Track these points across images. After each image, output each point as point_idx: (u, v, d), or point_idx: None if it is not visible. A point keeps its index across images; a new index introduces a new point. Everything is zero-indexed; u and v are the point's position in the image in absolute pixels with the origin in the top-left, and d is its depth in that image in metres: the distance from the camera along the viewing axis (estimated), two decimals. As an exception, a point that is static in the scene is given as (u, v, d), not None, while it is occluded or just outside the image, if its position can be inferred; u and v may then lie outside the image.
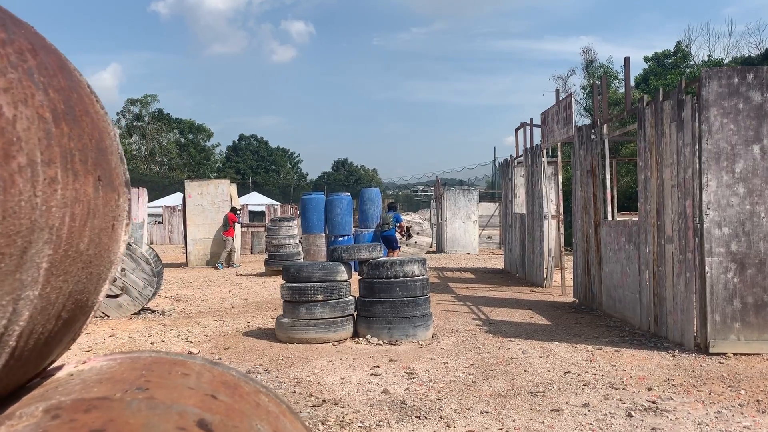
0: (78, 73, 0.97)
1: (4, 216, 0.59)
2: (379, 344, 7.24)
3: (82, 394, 0.77)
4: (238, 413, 0.85)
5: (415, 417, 4.70)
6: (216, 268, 18.18)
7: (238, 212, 19.86)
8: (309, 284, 7.40)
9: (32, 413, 0.69)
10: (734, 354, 6.53)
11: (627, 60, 8.98)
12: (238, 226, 19.40)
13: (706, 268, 6.66)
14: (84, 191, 0.78)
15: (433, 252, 24.40)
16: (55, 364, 1.02)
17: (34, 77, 0.67)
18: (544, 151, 12.98)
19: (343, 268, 7.63)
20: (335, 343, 7.30)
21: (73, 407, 0.69)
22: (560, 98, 11.94)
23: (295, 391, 5.39)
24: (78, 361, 1.01)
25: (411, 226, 20.75)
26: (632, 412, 4.72)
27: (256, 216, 35.26)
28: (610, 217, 9.88)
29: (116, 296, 9.13)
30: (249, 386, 1.03)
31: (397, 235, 15.96)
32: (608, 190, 9.80)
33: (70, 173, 0.72)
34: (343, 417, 4.72)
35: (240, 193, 35.40)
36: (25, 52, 0.68)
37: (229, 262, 18.71)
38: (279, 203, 40.07)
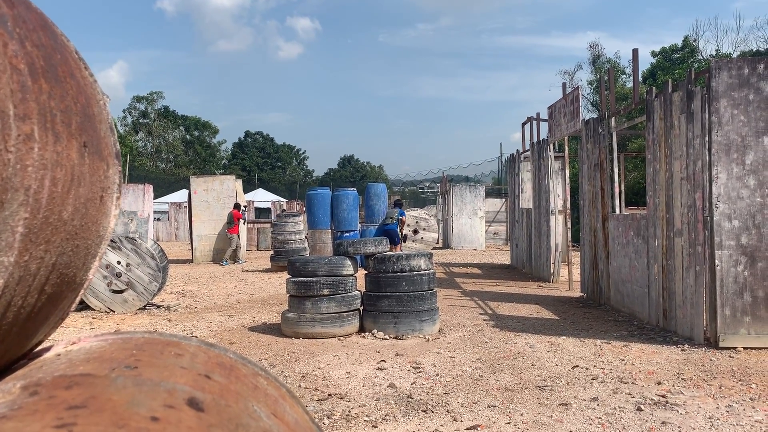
0: (65, 37, 0.92)
1: None
2: (386, 339, 7.19)
3: (66, 371, 0.72)
4: (233, 394, 0.80)
5: (422, 411, 4.66)
6: (221, 264, 18.17)
7: (243, 209, 19.84)
8: (315, 279, 7.36)
9: (9, 390, 0.64)
10: (744, 348, 6.45)
11: (635, 51, 8.89)
12: (242, 222, 19.37)
13: (716, 261, 6.58)
14: (67, 155, 0.73)
15: (440, 248, 24.34)
16: (43, 345, 0.97)
17: (8, 26, 0.62)
18: (551, 146, 12.90)
19: (349, 263, 7.58)
20: (341, 338, 7.26)
21: (54, 384, 0.64)
22: (567, 92, 11.84)
23: (300, 386, 5.35)
24: (68, 341, 0.96)
25: (417, 225, 20.68)
26: (642, 406, 4.65)
27: (262, 212, 35.27)
28: (618, 211, 9.80)
29: (121, 291, 9.12)
30: (247, 368, 0.98)
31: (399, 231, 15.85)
32: (616, 184, 9.72)
33: (50, 134, 0.67)
34: (349, 411, 4.68)
35: (246, 190, 35.45)
36: None
37: (235, 259, 18.70)
38: (285, 200, 40.10)
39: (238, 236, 18.76)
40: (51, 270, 0.76)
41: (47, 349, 0.94)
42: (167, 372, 0.77)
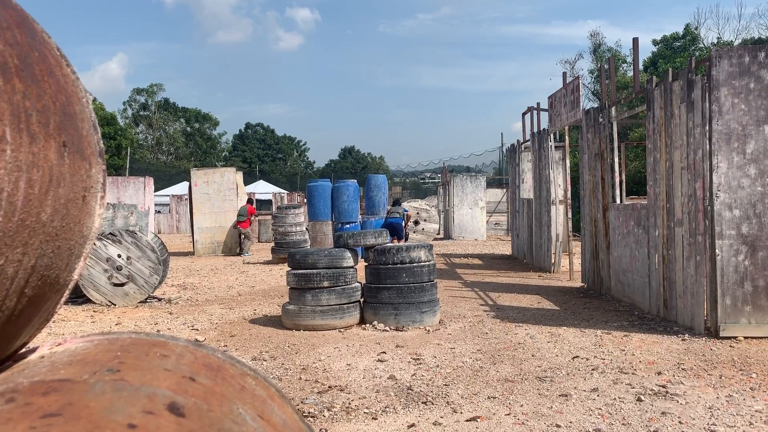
0: (46, 35, 0.91)
1: None
2: (386, 330, 7.19)
3: (45, 376, 0.71)
4: (217, 396, 0.79)
5: (422, 403, 4.66)
6: (244, 255, 18.37)
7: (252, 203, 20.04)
8: (315, 271, 7.36)
9: (-14, 397, 0.63)
10: (745, 338, 6.44)
11: (635, 40, 8.83)
12: (253, 217, 19.60)
13: (717, 250, 6.57)
14: (44, 156, 0.71)
15: (441, 239, 24.33)
16: (30, 346, 0.96)
17: None
18: (552, 136, 12.85)
19: (349, 255, 7.57)
20: (342, 330, 7.26)
21: (31, 390, 0.63)
22: (568, 81, 11.78)
23: (301, 378, 5.36)
24: (53, 342, 0.95)
25: (418, 216, 20.69)
26: (642, 397, 4.65)
27: (263, 204, 35.27)
28: (618, 201, 9.77)
29: (122, 284, 9.13)
30: (235, 369, 0.97)
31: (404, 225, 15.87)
32: (617, 174, 9.69)
33: (25, 134, 0.66)
34: (349, 403, 4.68)
35: (247, 182, 35.43)
36: None
37: (239, 251, 18.79)
38: (286, 191, 40.11)
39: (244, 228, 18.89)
40: (31, 272, 0.75)
41: (32, 351, 0.93)
42: (150, 375, 0.76)
